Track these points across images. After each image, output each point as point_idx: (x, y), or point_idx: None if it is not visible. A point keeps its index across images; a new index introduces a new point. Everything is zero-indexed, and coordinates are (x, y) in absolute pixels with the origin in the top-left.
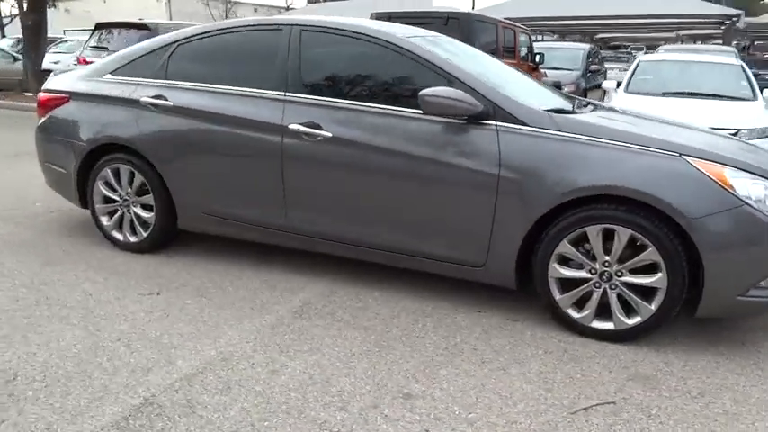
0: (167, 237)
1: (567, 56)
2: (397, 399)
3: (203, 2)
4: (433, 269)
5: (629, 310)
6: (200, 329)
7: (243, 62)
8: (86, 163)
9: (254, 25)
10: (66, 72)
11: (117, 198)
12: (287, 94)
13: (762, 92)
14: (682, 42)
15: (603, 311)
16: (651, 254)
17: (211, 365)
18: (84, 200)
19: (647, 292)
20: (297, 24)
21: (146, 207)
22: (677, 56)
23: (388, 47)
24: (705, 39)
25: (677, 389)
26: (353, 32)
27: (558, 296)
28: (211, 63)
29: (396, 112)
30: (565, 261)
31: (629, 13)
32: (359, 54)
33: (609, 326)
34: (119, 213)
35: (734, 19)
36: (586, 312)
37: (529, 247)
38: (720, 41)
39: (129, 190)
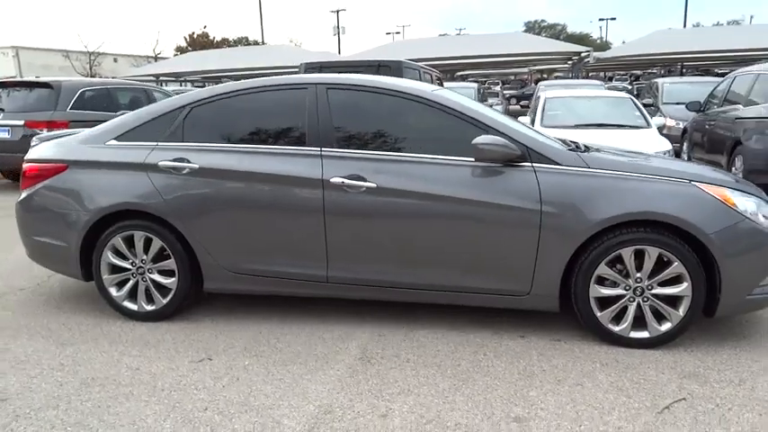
0: (187, 301)
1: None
2: (511, 423)
3: (63, 54)
4: (479, 302)
5: (659, 318)
6: (282, 388)
7: (268, 121)
8: (91, 233)
9: (276, 85)
10: (54, 140)
11: (129, 266)
12: (323, 149)
13: (652, 119)
14: (541, 76)
15: (636, 322)
16: (677, 267)
17: (320, 420)
18: (88, 272)
19: (673, 301)
20: (321, 83)
21: (164, 272)
22: (579, 92)
23: (419, 101)
24: (550, 72)
25: (721, 380)
26: (383, 89)
27: (598, 314)
28: (233, 124)
29: (437, 161)
30: (601, 281)
31: (495, 52)
32: (391, 108)
33: (644, 334)
34: (131, 282)
35: (583, 54)
36: (624, 325)
37: (568, 272)
38: (569, 74)
39: (145, 257)
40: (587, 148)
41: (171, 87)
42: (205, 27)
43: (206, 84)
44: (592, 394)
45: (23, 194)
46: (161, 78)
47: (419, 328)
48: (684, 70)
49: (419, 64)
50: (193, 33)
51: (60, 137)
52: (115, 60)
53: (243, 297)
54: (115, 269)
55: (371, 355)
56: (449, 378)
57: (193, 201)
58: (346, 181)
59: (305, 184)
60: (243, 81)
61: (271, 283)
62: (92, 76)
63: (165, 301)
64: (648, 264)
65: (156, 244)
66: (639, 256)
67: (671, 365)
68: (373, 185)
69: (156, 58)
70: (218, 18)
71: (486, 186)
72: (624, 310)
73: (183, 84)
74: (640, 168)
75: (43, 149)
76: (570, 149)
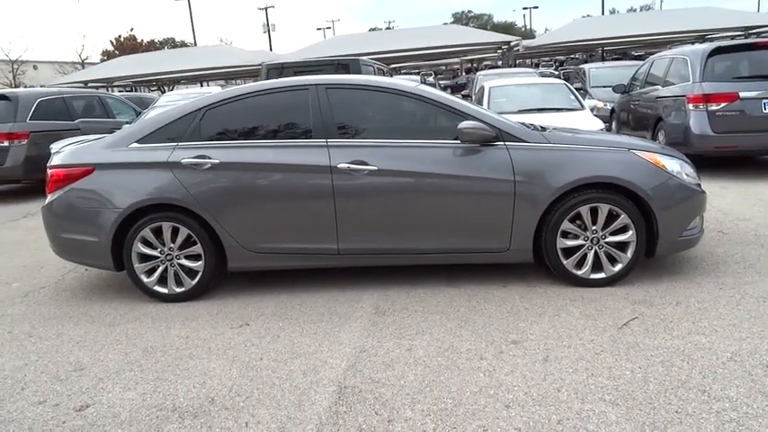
0: (213, 281)
1: None
2: (509, 345)
3: None
4: (468, 260)
5: (612, 261)
6: (318, 339)
7: (277, 119)
8: (122, 227)
9: (281, 87)
10: (74, 145)
11: (158, 254)
12: (328, 140)
13: (585, 101)
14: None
15: (594, 266)
16: (623, 219)
17: (358, 357)
18: (119, 263)
19: (622, 246)
20: (321, 84)
21: (190, 257)
22: (518, 80)
23: (407, 96)
24: (480, 61)
25: (663, 303)
26: (375, 87)
27: (564, 261)
28: (245, 123)
29: (426, 144)
30: (565, 235)
31: (430, 45)
32: (383, 103)
33: (601, 275)
34: (161, 268)
35: (512, 44)
36: (586, 269)
37: (539, 230)
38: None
39: (172, 245)
40: (543, 128)
41: (117, 94)
42: (132, 30)
43: (138, 89)
44: (567, 321)
45: (50, 198)
46: (89, 85)
47: (419, 286)
48: (605, 55)
49: (372, 60)
50: (120, 36)
51: (76, 143)
52: (35, 68)
53: (257, 275)
54: (145, 258)
55: (384, 310)
56: (453, 320)
57: (215, 192)
58: (351, 166)
59: (315, 171)
60: (250, 85)
61: (288, 258)
62: (16, 86)
63: (193, 283)
64: (601, 218)
65: (183, 232)
66: (594, 213)
67: (624, 296)
68: (374, 168)
69: (83, 64)
70: (144, 20)
71: (469, 163)
72: (584, 257)
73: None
74: (589, 142)
75: (66, 156)
76: (533, 130)
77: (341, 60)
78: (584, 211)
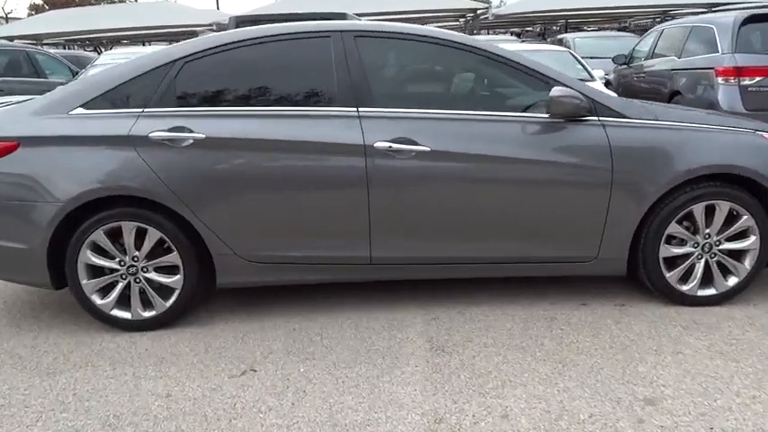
0: (193, 301)
1: None
2: (646, 407)
3: None
4: (539, 272)
5: (725, 273)
6: (364, 396)
7: (285, 78)
8: (62, 229)
9: (292, 34)
10: None
11: (116, 266)
12: (360, 108)
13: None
14: None
15: (702, 279)
16: (746, 221)
17: (435, 425)
18: (60, 278)
19: (738, 255)
20: (347, 30)
21: (163, 270)
22: (517, 47)
23: (464, 49)
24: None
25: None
26: (422, 37)
27: (667, 274)
28: (240, 82)
29: (497, 118)
30: (669, 240)
31: (392, 10)
32: (431, 59)
33: (711, 291)
34: (121, 285)
35: (479, 11)
36: (693, 283)
37: (636, 234)
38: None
39: (137, 252)
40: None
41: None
42: None
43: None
44: (699, 362)
45: None
46: (15, 42)
47: (469, 305)
48: (568, 27)
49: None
50: None
51: None
52: None
53: (253, 289)
54: (97, 271)
55: (442, 344)
56: (542, 361)
57: (201, 179)
58: (394, 145)
59: (342, 151)
60: (247, 30)
61: (300, 271)
62: None
63: (168, 304)
64: (719, 219)
65: (153, 235)
66: (710, 212)
67: (747, 320)
68: (426, 149)
69: (6, 19)
70: None
71: (553, 144)
72: (691, 268)
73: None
74: (705, 120)
75: None
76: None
77: (324, 14)
78: (699, 210)
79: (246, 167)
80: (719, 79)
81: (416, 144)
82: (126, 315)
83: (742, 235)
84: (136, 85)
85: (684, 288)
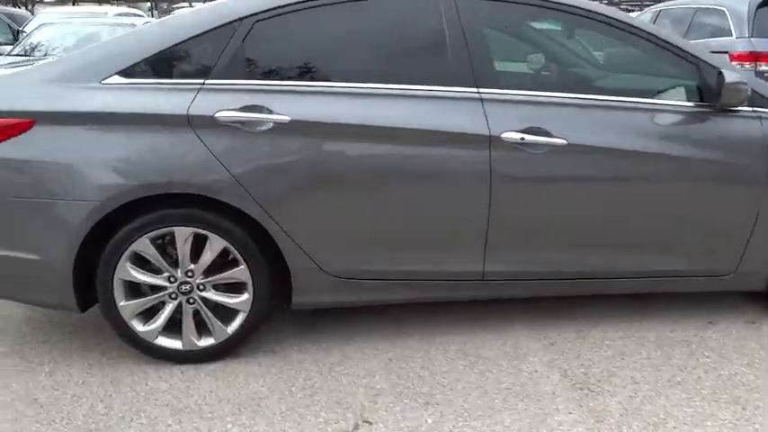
0: (259, 326)
1: None
2: None
3: None
4: (667, 288)
5: None
6: None
7: (385, 46)
8: (92, 235)
9: None
10: None
11: (164, 283)
12: (481, 89)
13: None
14: None
15: None
16: None
17: None
18: (88, 298)
19: None
20: None
21: (223, 287)
22: None
23: (599, 19)
24: None
25: None
26: (550, 3)
27: None
28: (329, 49)
29: (641, 106)
30: None
31: None
32: (562, 28)
33: None
34: (170, 307)
35: None
36: None
37: None
38: None
39: (192, 266)
40: None
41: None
42: None
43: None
44: None
45: None
46: None
47: (584, 325)
48: None
49: None
50: None
51: None
52: None
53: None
54: (136, 290)
55: (582, 379)
56: (713, 402)
57: (282, 174)
58: (526, 137)
59: (462, 142)
60: None
61: (399, 289)
62: None
63: (230, 330)
64: None
65: (216, 245)
66: None
67: None
68: (562, 142)
69: None
70: None
71: (704, 138)
72: None
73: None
74: None
75: None
76: None
77: None
78: None
79: (341, 160)
80: (733, 65)
81: (550, 135)
82: (175, 344)
83: None
84: (192, 49)
85: None
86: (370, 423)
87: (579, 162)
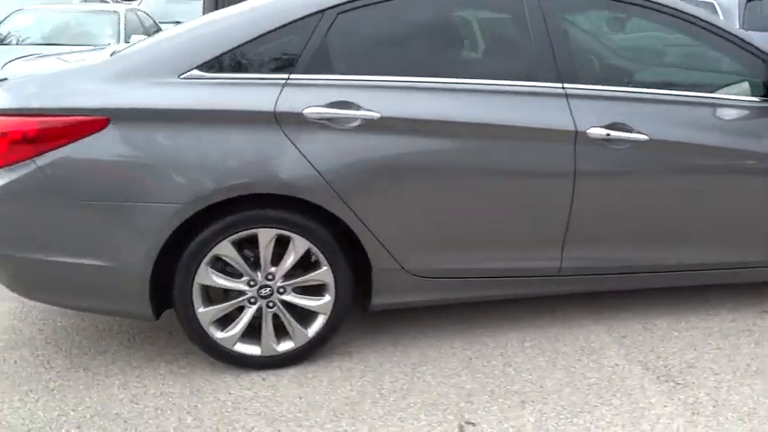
0: (336, 330)
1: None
2: None
3: None
4: (726, 280)
5: None
6: None
7: (464, 40)
8: (174, 240)
9: None
10: (49, 70)
11: (244, 287)
12: (565, 85)
13: None
14: None
15: None
16: None
17: None
18: (162, 304)
19: None
20: None
21: (303, 290)
22: None
23: (684, 19)
24: None
25: None
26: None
27: None
28: (411, 44)
29: (718, 102)
30: None
31: None
32: (632, 25)
33: None
34: (250, 312)
35: None
36: None
37: None
38: None
39: (272, 269)
40: None
41: None
42: None
43: None
44: None
45: (3, 178)
46: None
47: (646, 317)
48: None
49: None
50: None
51: (34, 64)
52: None
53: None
54: (210, 296)
55: (664, 372)
56: None
57: (370, 172)
58: (612, 132)
59: (547, 138)
60: None
61: (475, 287)
62: None
63: (310, 334)
64: None
65: (300, 246)
66: None
67: None
68: (644, 138)
69: None
70: None
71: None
72: None
73: None
74: None
75: (36, 91)
76: None
77: None
78: None
79: (430, 157)
80: None
81: (632, 131)
82: (254, 350)
83: None
84: (273, 42)
85: None
86: (474, 424)
87: (659, 158)
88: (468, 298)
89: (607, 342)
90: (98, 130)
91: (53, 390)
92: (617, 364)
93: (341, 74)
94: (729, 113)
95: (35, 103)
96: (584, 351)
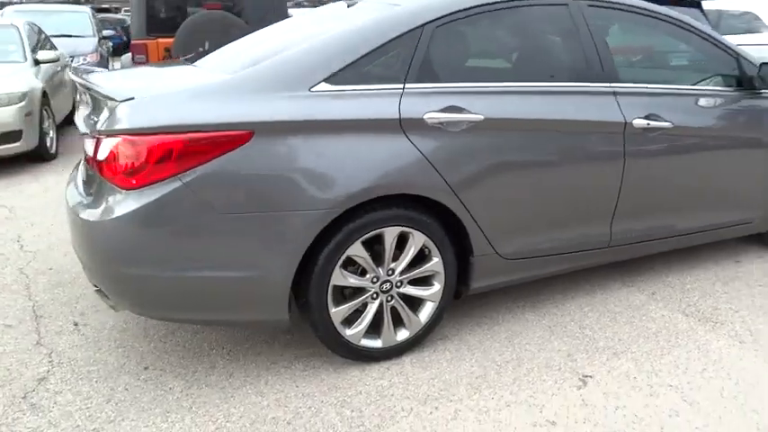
0: (442, 316)
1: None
2: None
3: None
4: (726, 235)
5: None
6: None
7: (535, 48)
8: (315, 244)
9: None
10: (184, 86)
11: (368, 284)
12: (613, 85)
13: None
14: None
15: None
16: None
17: None
18: (303, 308)
19: None
20: None
21: (416, 282)
22: None
23: (679, 25)
24: None
25: None
26: (645, 11)
27: None
28: (495, 52)
29: (713, 92)
30: None
31: None
32: (652, 33)
33: None
34: (374, 307)
35: None
36: None
37: None
38: None
39: (393, 264)
40: None
41: None
42: None
43: None
44: None
45: (142, 199)
46: None
47: (664, 273)
48: None
49: None
50: None
51: (162, 80)
52: None
53: None
54: (340, 295)
55: (703, 316)
56: None
57: (475, 168)
58: (651, 123)
59: (606, 130)
60: None
61: (545, 264)
62: None
63: (424, 321)
64: None
65: (418, 241)
66: None
67: None
68: (669, 125)
69: None
70: None
71: (752, 116)
72: None
73: None
74: None
75: (178, 108)
76: None
77: None
78: None
79: (522, 152)
80: None
81: (661, 120)
82: (376, 343)
83: None
84: (385, 55)
85: None
86: (591, 376)
87: (682, 141)
88: (542, 275)
89: (644, 299)
90: (243, 144)
91: (190, 407)
92: (663, 315)
93: (445, 81)
94: (726, 102)
95: (176, 121)
96: (632, 307)
